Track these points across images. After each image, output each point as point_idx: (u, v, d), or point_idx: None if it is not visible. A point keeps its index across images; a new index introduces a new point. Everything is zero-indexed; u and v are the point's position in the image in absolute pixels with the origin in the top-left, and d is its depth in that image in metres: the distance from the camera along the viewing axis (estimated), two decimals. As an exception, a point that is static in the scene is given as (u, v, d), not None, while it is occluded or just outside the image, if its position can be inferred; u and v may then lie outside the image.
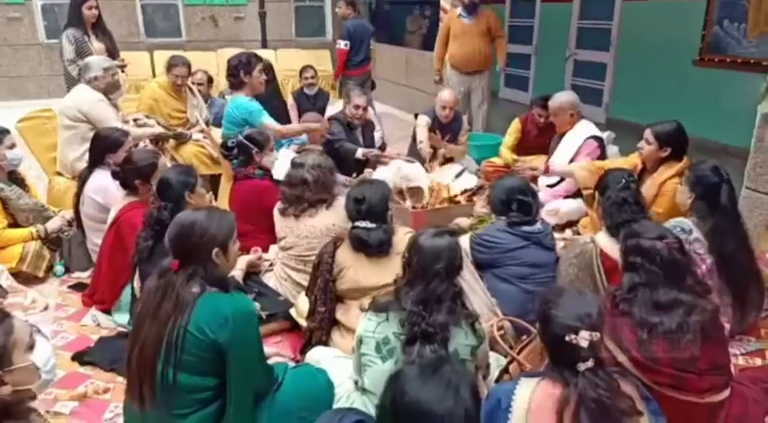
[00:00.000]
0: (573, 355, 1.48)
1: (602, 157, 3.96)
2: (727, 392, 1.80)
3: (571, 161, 3.93)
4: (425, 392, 1.32)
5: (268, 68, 4.66)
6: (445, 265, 1.87)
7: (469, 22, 5.64)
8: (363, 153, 4.50)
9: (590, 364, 1.47)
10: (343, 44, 6.01)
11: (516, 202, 2.69)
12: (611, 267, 2.40)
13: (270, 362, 2.16)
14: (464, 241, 2.68)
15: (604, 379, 1.47)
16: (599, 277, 2.44)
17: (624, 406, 1.45)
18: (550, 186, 4.07)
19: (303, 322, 2.55)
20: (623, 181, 2.60)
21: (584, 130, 4.03)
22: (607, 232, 2.53)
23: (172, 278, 1.80)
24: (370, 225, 2.36)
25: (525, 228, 2.68)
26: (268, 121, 3.91)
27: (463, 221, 3.46)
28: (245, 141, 3.44)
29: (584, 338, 1.46)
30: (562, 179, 3.98)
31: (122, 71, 5.66)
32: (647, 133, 3.23)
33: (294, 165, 2.95)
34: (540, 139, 4.58)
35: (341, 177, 4.11)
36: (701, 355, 1.77)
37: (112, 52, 5.02)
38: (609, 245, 2.46)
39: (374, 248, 2.37)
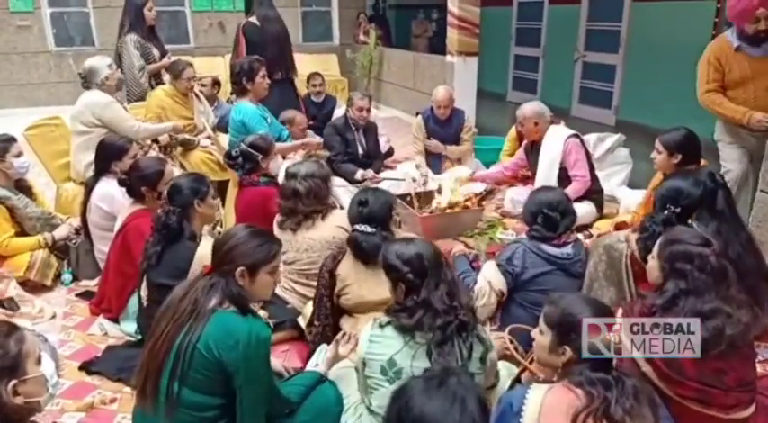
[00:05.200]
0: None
1: (586, 152, 3.89)
2: (752, 409, 1.74)
3: (562, 166, 3.81)
4: (431, 406, 1.29)
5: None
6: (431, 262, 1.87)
7: (759, 56, 3.51)
8: (362, 175, 4.46)
9: None
10: None
11: (542, 216, 2.55)
12: (638, 272, 2.32)
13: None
14: (488, 268, 2.59)
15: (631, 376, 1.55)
16: (626, 280, 2.35)
17: (655, 397, 1.48)
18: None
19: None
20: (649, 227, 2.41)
21: (558, 133, 3.90)
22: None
23: (199, 281, 1.81)
24: (368, 229, 2.37)
25: (552, 250, 2.52)
26: None
27: (458, 248, 3.07)
28: (248, 149, 3.38)
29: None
30: (569, 182, 3.90)
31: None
32: (657, 143, 3.19)
33: (287, 175, 2.89)
34: None
35: (338, 181, 4.11)
36: (729, 371, 1.71)
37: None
38: None
39: (369, 255, 2.33)
